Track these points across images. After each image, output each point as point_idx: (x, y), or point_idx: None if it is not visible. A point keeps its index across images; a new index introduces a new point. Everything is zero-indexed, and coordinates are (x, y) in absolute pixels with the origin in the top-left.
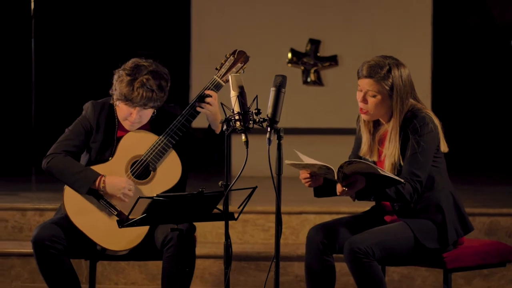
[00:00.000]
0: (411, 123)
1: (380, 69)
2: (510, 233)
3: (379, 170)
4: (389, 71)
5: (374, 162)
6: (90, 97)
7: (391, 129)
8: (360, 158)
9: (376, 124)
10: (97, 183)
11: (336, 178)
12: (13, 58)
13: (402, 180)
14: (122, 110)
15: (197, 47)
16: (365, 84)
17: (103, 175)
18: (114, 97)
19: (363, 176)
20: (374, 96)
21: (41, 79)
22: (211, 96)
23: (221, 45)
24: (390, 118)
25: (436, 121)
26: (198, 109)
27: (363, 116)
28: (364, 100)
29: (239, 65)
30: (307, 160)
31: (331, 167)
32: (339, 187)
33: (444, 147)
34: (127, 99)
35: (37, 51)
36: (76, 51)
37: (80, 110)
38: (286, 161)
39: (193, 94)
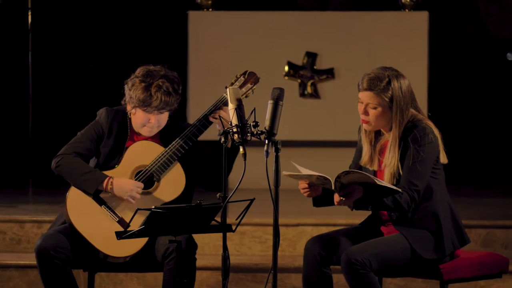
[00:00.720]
0: (411, 133)
1: (380, 82)
2: (506, 244)
3: (376, 180)
4: (389, 83)
5: (374, 172)
6: (87, 109)
7: (391, 139)
8: (361, 167)
9: (377, 134)
10: (104, 184)
11: (333, 188)
12: (10, 71)
13: (400, 190)
14: (139, 117)
15: (194, 60)
16: (366, 96)
17: (111, 177)
18: (129, 106)
19: (361, 186)
20: (374, 108)
21: (38, 92)
22: (223, 111)
23: (218, 59)
24: (391, 128)
25: (436, 132)
26: (211, 119)
27: (365, 127)
28: (366, 112)
29: (249, 85)
30: (305, 171)
31: (328, 177)
32: (336, 197)
33: (443, 159)
34: (146, 105)
35: (34, 64)
36: (73, 64)
37: (77, 121)
38: (283, 172)
39: (191, 107)
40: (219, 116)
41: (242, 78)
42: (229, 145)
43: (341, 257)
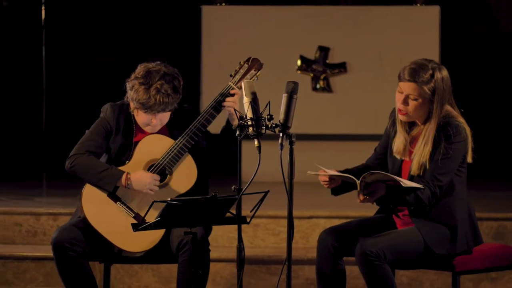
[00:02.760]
0: (444, 129)
1: (424, 73)
2: None
3: (401, 182)
4: (432, 75)
5: (402, 161)
6: (100, 104)
7: (427, 131)
8: (385, 152)
9: (410, 125)
10: (123, 180)
11: (358, 188)
12: (24, 66)
13: (421, 186)
14: (142, 117)
15: (208, 54)
16: (407, 87)
17: (128, 172)
18: (132, 105)
19: (383, 184)
20: (415, 100)
21: (52, 86)
22: (233, 95)
23: (231, 53)
24: (426, 120)
25: (468, 131)
26: (225, 103)
27: (401, 117)
28: (405, 103)
29: (252, 72)
30: (329, 172)
31: (353, 177)
32: (360, 196)
33: (470, 158)
34: (146, 107)
35: (48, 59)
36: (86, 58)
37: (90, 115)
38: (308, 172)
39: (204, 100)
40: (234, 109)
41: (246, 65)
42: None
43: (356, 248)
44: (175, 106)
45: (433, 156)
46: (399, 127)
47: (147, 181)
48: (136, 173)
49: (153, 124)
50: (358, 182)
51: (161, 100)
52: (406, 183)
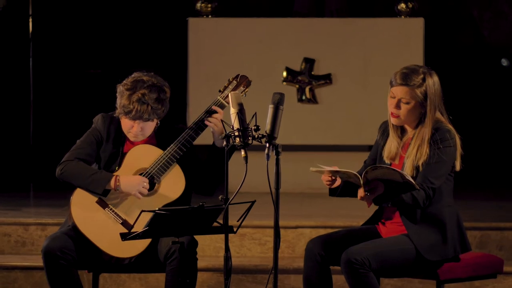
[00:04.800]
0: (436, 134)
1: (415, 77)
2: (501, 246)
3: (401, 174)
4: (424, 79)
5: (390, 164)
6: (87, 115)
7: (419, 133)
8: (375, 163)
9: (402, 131)
10: (112, 182)
11: (362, 183)
12: (12, 77)
13: (417, 187)
14: (124, 123)
15: (194, 66)
16: (399, 91)
17: (117, 175)
18: (117, 111)
19: (382, 183)
20: (407, 103)
21: (39, 98)
22: (218, 112)
23: (218, 64)
24: (416, 125)
25: (457, 138)
26: (206, 122)
27: (393, 120)
28: (397, 106)
29: (241, 88)
30: (331, 168)
31: (354, 172)
32: (361, 192)
33: (458, 166)
34: (126, 113)
35: (35, 71)
36: (73, 70)
37: (77, 127)
38: (311, 168)
39: (191, 113)
40: (221, 120)
41: (234, 81)
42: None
43: (341, 256)
44: (155, 117)
45: (424, 158)
46: (391, 132)
47: (137, 182)
48: (126, 176)
49: (134, 132)
50: (361, 177)
51: (139, 108)
52: (407, 176)
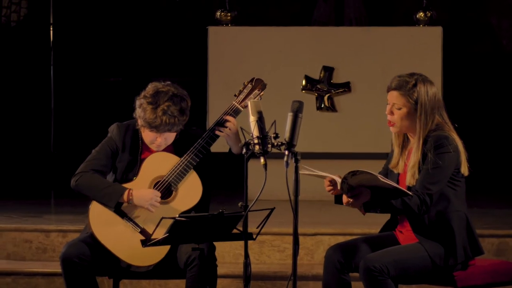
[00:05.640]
0: (433, 140)
1: (406, 83)
2: None
3: (381, 180)
4: (415, 85)
5: (398, 175)
6: (108, 123)
7: (414, 142)
8: (387, 171)
9: (406, 139)
10: (125, 196)
11: (339, 188)
12: (33, 86)
13: (410, 193)
14: (147, 135)
15: (214, 74)
16: (392, 96)
17: (130, 189)
18: (139, 123)
19: (368, 189)
20: (399, 109)
21: (60, 105)
22: (229, 121)
23: (237, 72)
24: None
25: (459, 143)
26: (218, 133)
27: (391, 129)
28: (391, 113)
29: (256, 92)
30: (317, 172)
31: (335, 178)
32: (344, 198)
33: (465, 170)
34: (152, 127)
35: (56, 79)
36: (94, 78)
37: (98, 135)
38: (301, 171)
39: (211, 119)
40: (241, 128)
41: (249, 85)
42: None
43: (360, 264)
44: (180, 128)
45: (422, 166)
46: (393, 140)
47: (149, 197)
48: (138, 190)
49: (158, 143)
50: (339, 182)
51: (167, 121)
52: (390, 182)
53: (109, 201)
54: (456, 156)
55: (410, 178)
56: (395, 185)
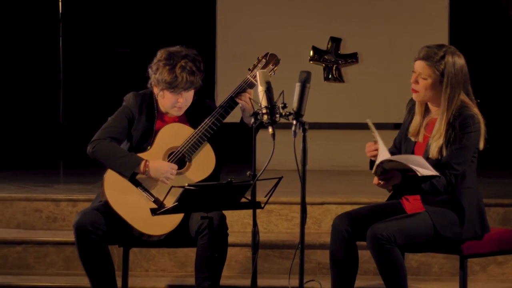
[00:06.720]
0: (459, 119)
1: (435, 54)
2: None
3: (418, 172)
4: (443, 57)
5: (415, 143)
6: (115, 94)
7: (439, 114)
8: (406, 139)
9: (427, 109)
10: (141, 167)
11: (373, 171)
12: (42, 57)
13: (438, 174)
14: (168, 99)
15: (222, 45)
16: (419, 66)
17: (147, 160)
18: (156, 89)
19: (400, 173)
20: (425, 79)
21: (68, 77)
22: (246, 92)
23: (245, 45)
24: (439, 104)
25: (481, 120)
26: (238, 100)
27: (413, 96)
28: (416, 81)
29: (270, 67)
30: (377, 134)
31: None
32: (375, 180)
33: (481, 145)
34: (173, 86)
35: (65, 51)
36: (102, 50)
37: (106, 106)
38: (367, 120)
39: (219, 91)
40: (250, 98)
41: (263, 60)
42: (250, 125)
43: (367, 232)
44: (199, 85)
45: (448, 142)
46: (416, 109)
47: (165, 169)
48: (155, 161)
49: (180, 104)
50: (374, 165)
51: (187, 77)
52: (422, 172)
53: (125, 171)
54: (479, 134)
55: (434, 150)
56: (427, 172)
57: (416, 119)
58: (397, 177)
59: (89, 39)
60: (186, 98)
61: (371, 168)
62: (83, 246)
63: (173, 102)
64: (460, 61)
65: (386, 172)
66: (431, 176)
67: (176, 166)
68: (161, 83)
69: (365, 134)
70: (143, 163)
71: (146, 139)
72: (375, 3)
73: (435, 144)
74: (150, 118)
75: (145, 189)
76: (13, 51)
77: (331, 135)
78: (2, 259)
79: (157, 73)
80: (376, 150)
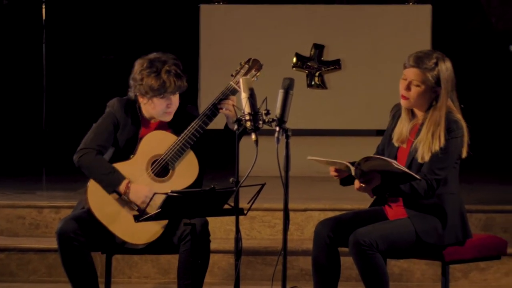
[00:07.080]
0: (444, 124)
1: (428, 61)
2: (505, 228)
3: (395, 165)
4: (436, 63)
5: (398, 148)
6: (99, 101)
7: (432, 118)
8: (389, 144)
9: (412, 115)
10: (122, 187)
11: (353, 174)
12: (25, 64)
13: (418, 177)
14: (158, 105)
15: (206, 52)
16: (411, 73)
17: (129, 181)
18: (143, 98)
19: (379, 174)
20: (417, 86)
21: (52, 83)
22: (229, 98)
23: (229, 51)
24: (426, 110)
25: (465, 126)
26: (221, 108)
27: (403, 103)
28: (408, 88)
29: (253, 72)
30: (325, 159)
31: (349, 165)
32: (356, 183)
33: (464, 153)
34: (162, 92)
35: (48, 57)
36: (85, 56)
37: (89, 113)
38: (308, 157)
39: (202, 98)
40: (233, 105)
41: (246, 65)
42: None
43: (349, 238)
44: (186, 86)
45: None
46: (403, 115)
47: (144, 194)
48: (136, 185)
49: (171, 110)
50: (352, 168)
51: (175, 81)
52: (402, 167)
53: (107, 187)
54: (462, 140)
55: (426, 155)
56: (406, 170)
57: (405, 125)
58: (377, 179)
59: (72, 46)
60: (174, 102)
61: (341, 184)
62: (66, 253)
63: (163, 108)
64: (450, 66)
65: (365, 174)
66: (411, 177)
67: (153, 193)
68: (150, 91)
69: (348, 141)
70: (124, 183)
71: (130, 146)
72: (358, 10)
73: (426, 147)
74: (134, 125)
75: (129, 198)
76: None
77: (314, 142)
78: None
79: (142, 83)
80: (336, 170)
